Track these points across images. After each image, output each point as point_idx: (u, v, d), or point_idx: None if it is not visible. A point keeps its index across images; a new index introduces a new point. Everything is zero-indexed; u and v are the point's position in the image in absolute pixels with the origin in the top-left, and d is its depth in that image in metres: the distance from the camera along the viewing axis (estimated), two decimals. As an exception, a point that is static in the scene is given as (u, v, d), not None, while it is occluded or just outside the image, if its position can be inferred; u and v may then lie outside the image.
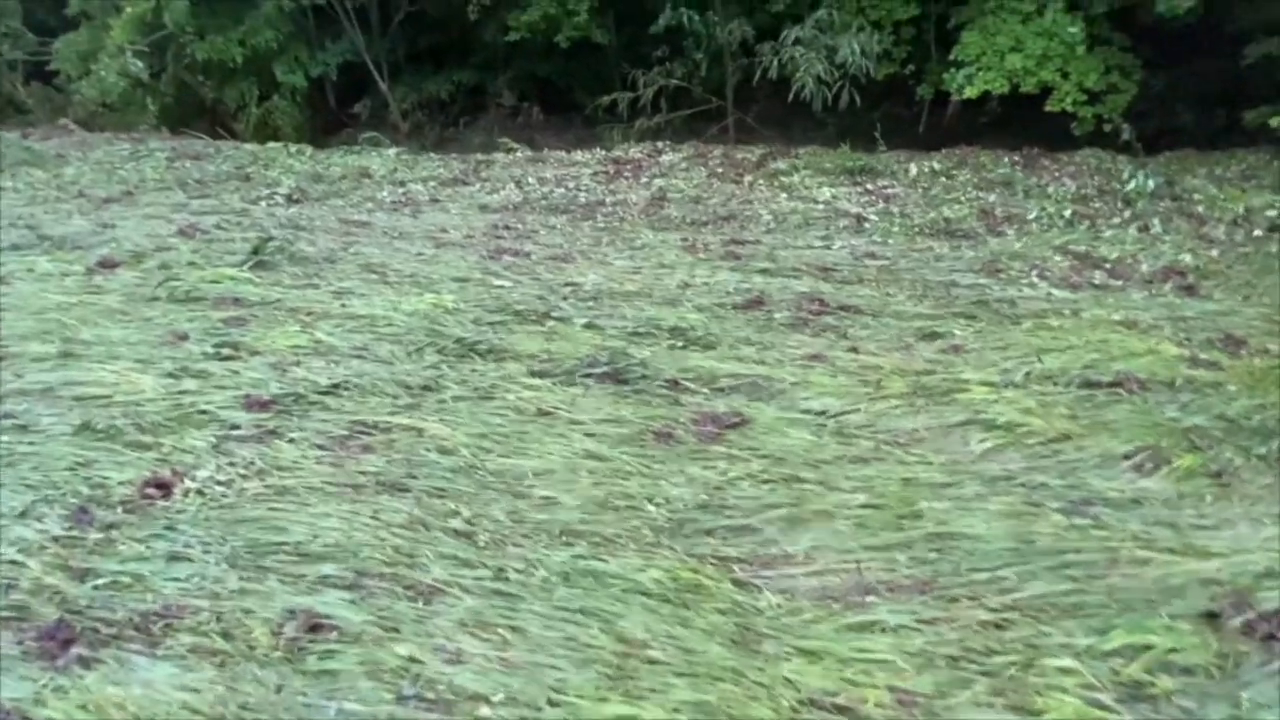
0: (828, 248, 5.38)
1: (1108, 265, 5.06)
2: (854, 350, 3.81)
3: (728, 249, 5.38)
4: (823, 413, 3.13)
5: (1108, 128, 8.92)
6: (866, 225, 5.78)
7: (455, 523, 2.40)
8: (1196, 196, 6.72)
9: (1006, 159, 7.82)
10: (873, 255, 5.23)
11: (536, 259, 5.28)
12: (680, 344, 3.88)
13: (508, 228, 6.02)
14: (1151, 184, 6.64)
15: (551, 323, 4.12)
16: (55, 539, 2.25)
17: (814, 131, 12.69)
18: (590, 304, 4.41)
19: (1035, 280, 4.85)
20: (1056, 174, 7.50)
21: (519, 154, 8.56)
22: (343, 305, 4.36)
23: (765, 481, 2.65)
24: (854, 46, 8.35)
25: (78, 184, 7.53)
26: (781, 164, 7.60)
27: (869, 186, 6.81)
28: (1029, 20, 8.79)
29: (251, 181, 7.66)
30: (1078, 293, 4.68)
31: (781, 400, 3.25)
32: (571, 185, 7.31)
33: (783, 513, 2.48)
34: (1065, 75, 8.66)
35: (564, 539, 2.33)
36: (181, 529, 2.33)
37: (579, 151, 8.87)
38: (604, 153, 8.67)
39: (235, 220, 6.09)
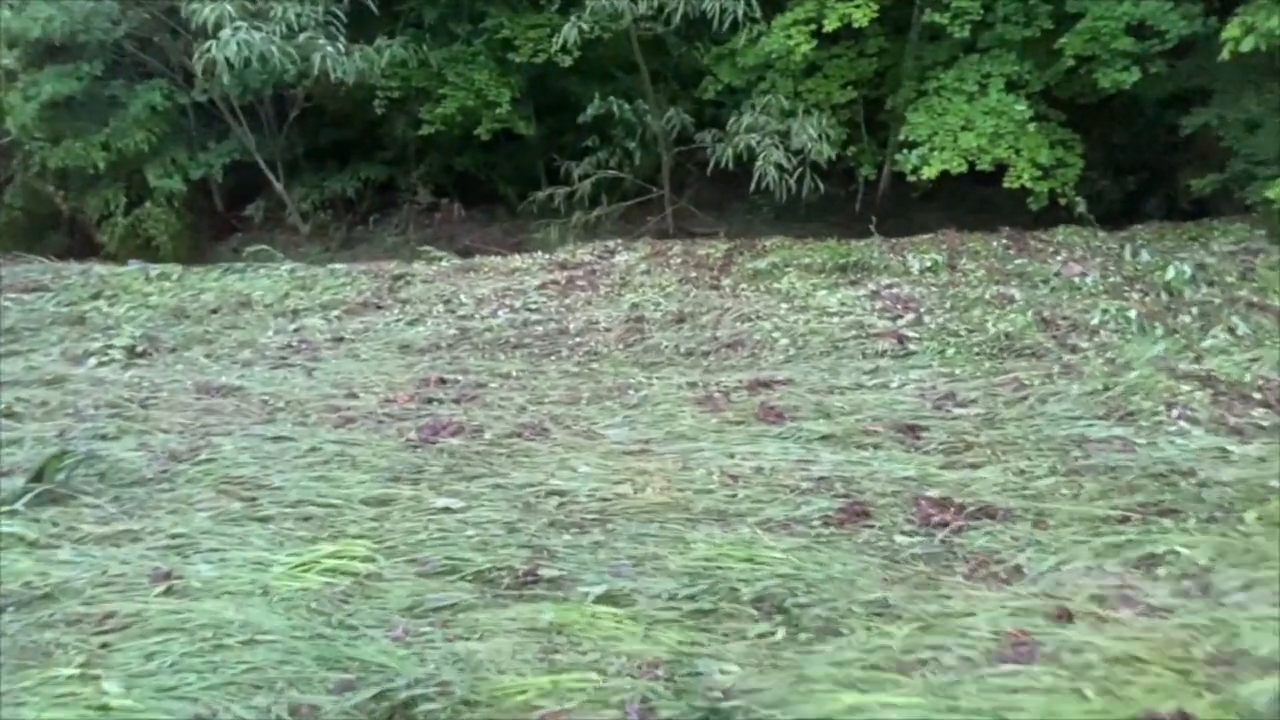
0: (885, 386, 3.72)
1: (1251, 394, 3.64)
2: (1065, 616, 2.13)
3: (757, 398, 3.63)
4: None
5: (1062, 201, 7.89)
6: (913, 347, 4.19)
7: None
8: (1230, 279, 5.56)
9: (995, 243, 6.51)
10: (952, 398, 3.59)
11: (493, 439, 3.39)
12: (779, 629, 2.08)
13: (443, 381, 4.10)
14: (1188, 271, 5.44)
15: (540, 599, 2.24)
16: None
17: (750, 214, 11.40)
18: (596, 538, 2.54)
19: (1185, 425, 3.31)
20: (1059, 258, 6.21)
21: (444, 263, 6.70)
22: (169, 588, 2.35)
23: None
24: (809, 131, 7.01)
25: None
26: (760, 263, 6.01)
27: (874, 288, 5.28)
28: (974, 99, 7.70)
29: (86, 325, 5.43)
30: (1253, 443, 3.20)
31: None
32: (518, 304, 5.47)
33: None
34: (1018, 152, 7.60)
35: None
36: None
37: (516, 256, 7.04)
38: (546, 257, 6.88)
39: (39, 399, 3.92)
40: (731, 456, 3.01)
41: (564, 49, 8.59)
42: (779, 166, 6.89)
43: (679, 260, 6.61)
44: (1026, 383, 3.57)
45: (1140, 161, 9.39)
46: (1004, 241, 6.35)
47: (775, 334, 4.41)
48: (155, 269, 7.00)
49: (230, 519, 2.77)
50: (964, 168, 7.45)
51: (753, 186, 7.16)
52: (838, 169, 9.21)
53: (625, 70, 10.51)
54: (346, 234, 10.97)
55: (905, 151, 7.70)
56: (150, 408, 3.92)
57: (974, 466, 2.88)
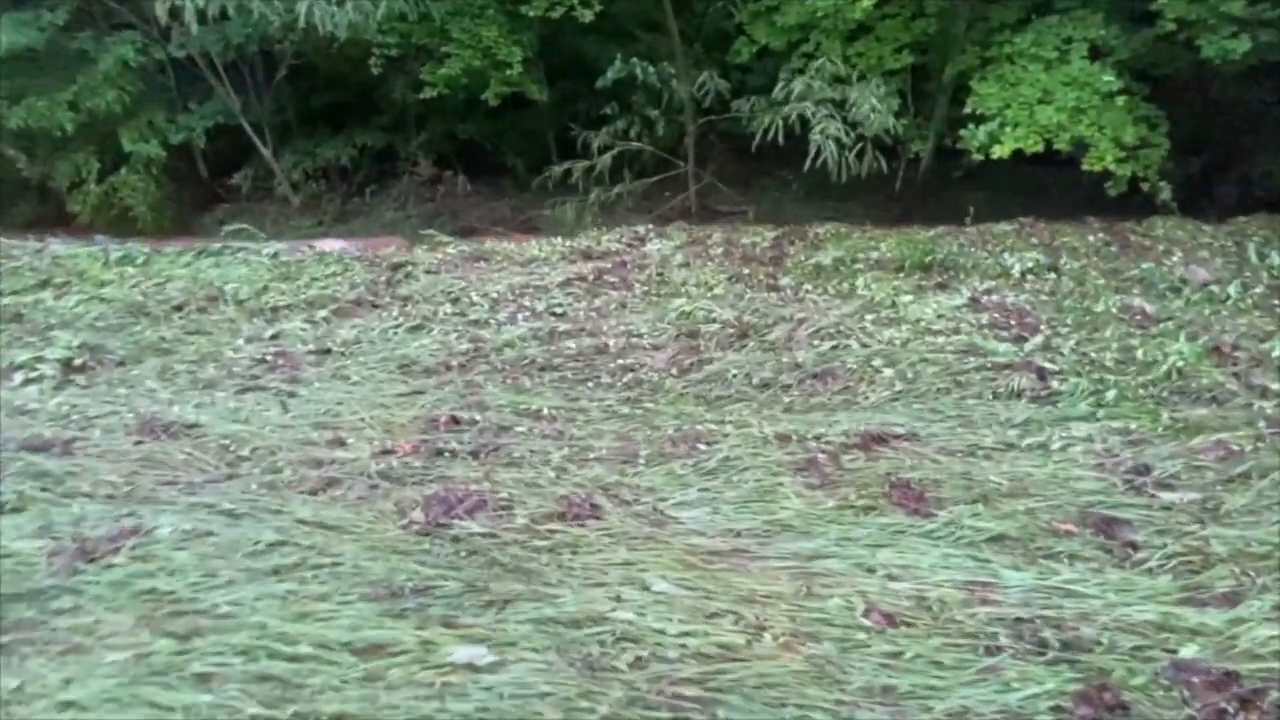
0: (1045, 449, 2.66)
1: None
2: None
3: (878, 465, 2.55)
4: None
5: (1144, 186, 6.80)
6: (1057, 385, 3.11)
7: None
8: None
9: (1090, 237, 5.43)
10: (1146, 472, 2.52)
11: (527, 523, 2.40)
12: None
13: (455, 422, 3.07)
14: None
15: None
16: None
17: (779, 192, 10.24)
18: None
19: None
20: (1174, 259, 4.97)
21: (451, 250, 5.60)
22: None
23: None
24: (871, 100, 5.87)
25: None
26: (820, 257, 4.94)
27: (970, 294, 4.22)
28: (1052, 68, 6.58)
29: (23, 324, 4.34)
30: None
31: None
32: (540, 306, 4.41)
33: None
34: (1101, 129, 6.48)
35: None
36: None
37: (533, 242, 5.93)
38: (566, 244, 5.78)
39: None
40: (872, 571, 2.03)
41: (584, 2, 7.37)
42: (838, 141, 5.76)
43: (720, 251, 5.53)
44: (1235, 448, 2.59)
45: (1206, 141, 8.29)
46: (1100, 236, 5.30)
47: (871, 359, 3.39)
48: (117, 250, 5.87)
49: (149, 673, 1.79)
50: (1039, 146, 6.38)
51: (807, 164, 6.05)
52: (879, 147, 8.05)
53: (648, 29, 9.26)
54: (341, 206, 9.77)
55: (971, 127, 6.60)
56: (73, 455, 2.90)
57: (1230, 600, 1.93)
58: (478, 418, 3.04)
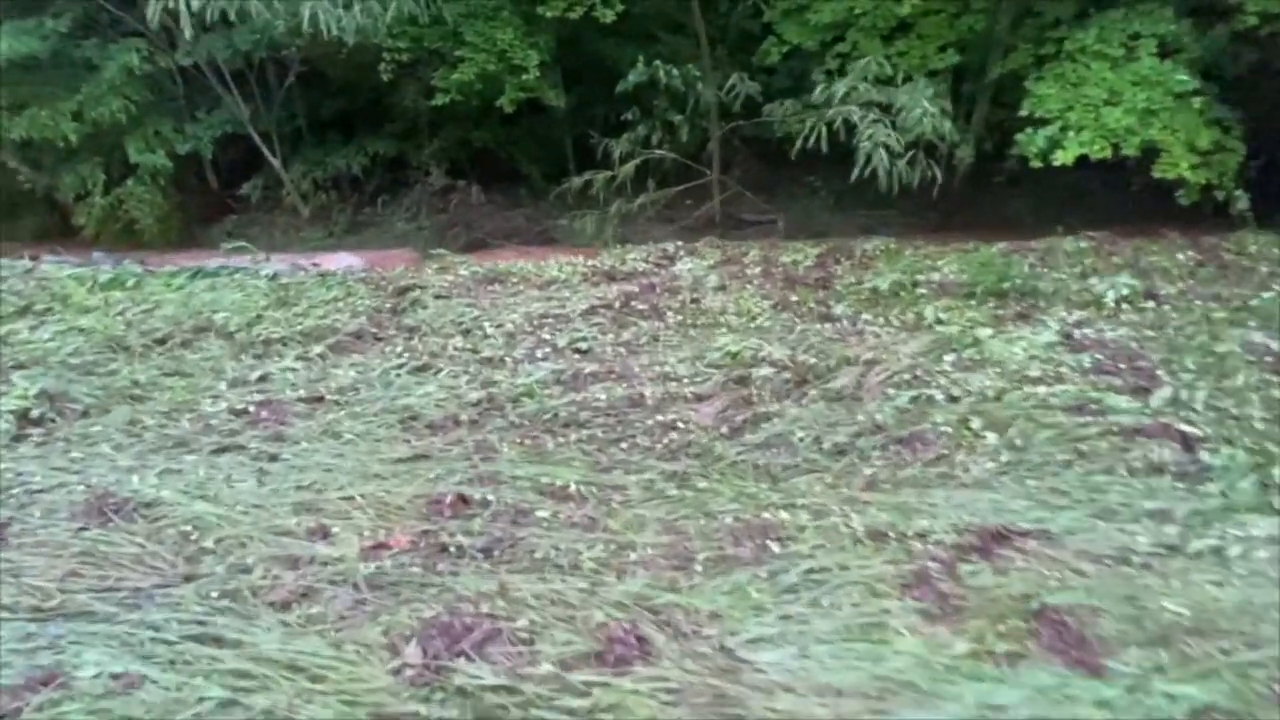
0: (1221, 559, 1.92)
1: None
2: None
3: (1006, 581, 1.91)
4: None
5: (1219, 195, 6.05)
6: (1209, 458, 2.41)
7: None
8: None
9: (1179, 255, 4.64)
10: None
11: (554, 668, 1.77)
12: None
13: (464, 502, 2.46)
14: None
15: None
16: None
17: (807, 199, 9.54)
18: None
19: None
20: None
21: (464, 270, 4.98)
22: None
23: None
24: (924, 103, 5.16)
25: None
26: (877, 280, 4.24)
27: (1060, 328, 3.48)
28: (1119, 66, 5.84)
29: (-17, 363, 3.81)
30: None
31: None
32: (561, 340, 3.78)
33: None
34: (1174, 133, 5.75)
35: None
36: None
37: (551, 261, 5.29)
38: (588, 263, 5.13)
39: None
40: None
41: (606, 1, 6.72)
42: (887, 148, 5.07)
43: (758, 271, 4.86)
44: None
45: (1265, 143, 7.48)
46: (1191, 255, 4.58)
47: (966, 419, 2.71)
48: (107, 273, 5.28)
49: None
50: (1107, 152, 5.66)
51: (855, 173, 5.35)
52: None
53: (670, 30, 8.58)
54: (352, 217, 9.16)
55: (1029, 131, 5.89)
56: (4, 544, 2.31)
57: None
58: (490, 497, 2.41)
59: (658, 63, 6.97)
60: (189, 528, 2.36)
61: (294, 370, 3.53)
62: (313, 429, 2.98)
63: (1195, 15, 5.84)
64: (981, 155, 7.46)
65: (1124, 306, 3.70)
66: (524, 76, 7.04)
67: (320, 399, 3.25)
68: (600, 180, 6.47)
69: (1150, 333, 3.40)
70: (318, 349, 3.78)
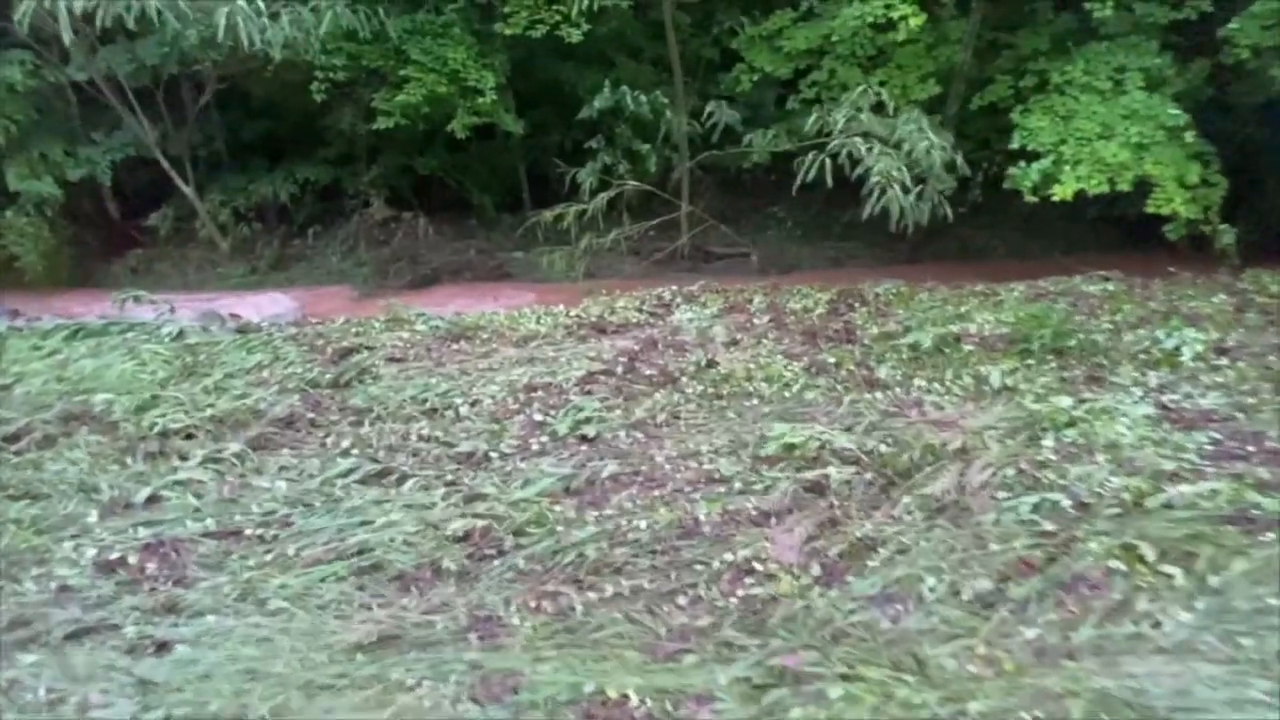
0: None
1: None
2: None
3: None
4: None
5: (1205, 229, 5.72)
6: None
7: None
8: None
9: (1216, 299, 4.08)
10: None
11: None
12: None
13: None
14: None
15: None
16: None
17: (774, 230, 8.91)
18: None
19: None
20: None
21: (420, 326, 3.97)
22: None
23: None
24: (930, 137, 4.52)
25: None
26: (917, 335, 3.43)
27: (1142, 393, 2.82)
28: (1108, 99, 5.44)
29: None
30: None
31: None
32: (561, 422, 2.83)
33: None
34: (1165, 168, 5.36)
35: None
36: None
37: (528, 311, 4.33)
38: (571, 313, 4.22)
39: None
40: None
41: (569, 20, 5.86)
42: (900, 183, 4.39)
43: (767, 320, 4.06)
44: None
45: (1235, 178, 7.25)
46: (1224, 299, 4.09)
47: (1125, 540, 1.99)
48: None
49: None
50: (1104, 187, 5.22)
51: (866, 210, 4.65)
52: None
53: (630, 55, 7.81)
54: (280, 250, 7.88)
55: (1023, 165, 5.40)
56: None
57: None
58: (512, 730, 1.48)
59: (624, 88, 6.17)
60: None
61: (200, 484, 2.46)
62: (224, 592, 1.94)
63: (1174, 50, 5.51)
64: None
65: (1200, 366, 3.12)
66: (479, 100, 6.08)
67: (237, 534, 2.21)
68: (570, 215, 5.56)
69: (1248, 399, 2.81)
70: (234, 446, 2.71)
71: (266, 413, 2.96)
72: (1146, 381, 3.02)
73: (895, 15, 4.93)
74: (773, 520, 2.16)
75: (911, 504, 2.24)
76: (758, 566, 1.98)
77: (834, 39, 5.90)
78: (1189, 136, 5.12)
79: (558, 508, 2.27)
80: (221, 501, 2.36)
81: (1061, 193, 5.15)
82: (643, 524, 2.14)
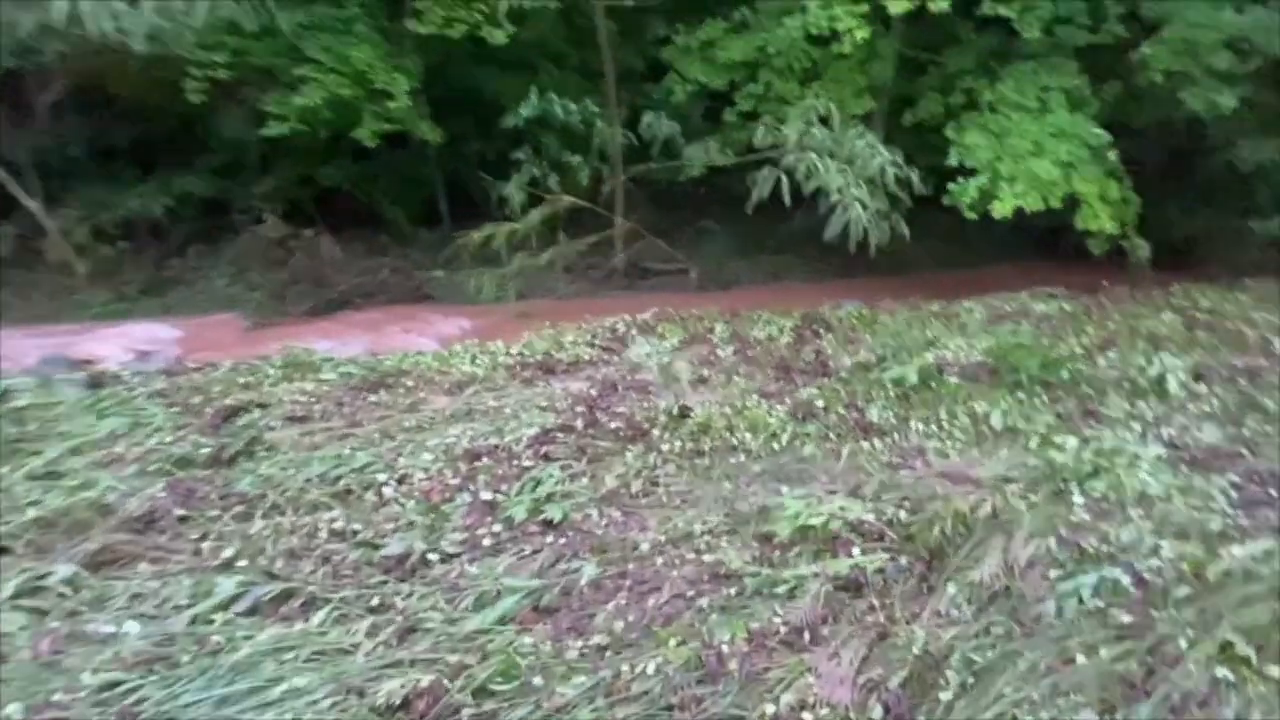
0: None
1: None
2: None
3: None
4: None
5: (1124, 244, 5.80)
6: None
7: None
8: None
9: (1167, 316, 3.98)
10: None
11: None
12: None
13: None
14: None
15: None
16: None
17: (709, 244, 8.51)
18: None
19: None
20: None
21: (327, 374, 3.21)
22: None
23: None
24: (882, 152, 4.20)
25: None
26: (902, 369, 3.00)
27: (1142, 428, 2.58)
28: (1038, 118, 5.38)
29: None
30: None
31: None
32: (518, 504, 2.23)
33: None
34: (1090, 184, 5.35)
35: None
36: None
37: (458, 348, 3.64)
38: (510, 351, 3.57)
39: None
40: None
41: (491, 20, 5.18)
42: (859, 200, 4.05)
43: (732, 352, 3.59)
44: None
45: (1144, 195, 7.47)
46: (1169, 314, 3.98)
47: (1220, 640, 1.63)
48: None
49: None
50: (1039, 204, 5.13)
51: (828, 231, 4.26)
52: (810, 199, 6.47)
53: (554, 61, 7.19)
54: (154, 273, 6.67)
55: (961, 181, 5.25)
56: None
57: None
58: None
59: (552, 96, 5.58)
60: None
61: (10, 636, 1.68)
62: None
63: (1089, 72, 5.55)
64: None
65: (1184, 390, 2.92)
66: (390, 104, 5.30)
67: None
68: (502, 234, 4.90)
69: (1243, 430, 2.61)
70: (63, 569, 1.92)
71: (117, 509, 2.17)
72: (1140, 414, 2.77)
73: (841, 28, 4.60)
74: (807, 637, 1.66)
75: (958, 595, 1.80)
76: (806, 718, 1.46)
77: (770, 50, 5.57)
78: (1111, 155, 5.13)
79: (528, 640, 1.66)
80: (34, 668, 1.59)
81: (1001, 209, 5.03)
82: (649, 664, 1.57)
